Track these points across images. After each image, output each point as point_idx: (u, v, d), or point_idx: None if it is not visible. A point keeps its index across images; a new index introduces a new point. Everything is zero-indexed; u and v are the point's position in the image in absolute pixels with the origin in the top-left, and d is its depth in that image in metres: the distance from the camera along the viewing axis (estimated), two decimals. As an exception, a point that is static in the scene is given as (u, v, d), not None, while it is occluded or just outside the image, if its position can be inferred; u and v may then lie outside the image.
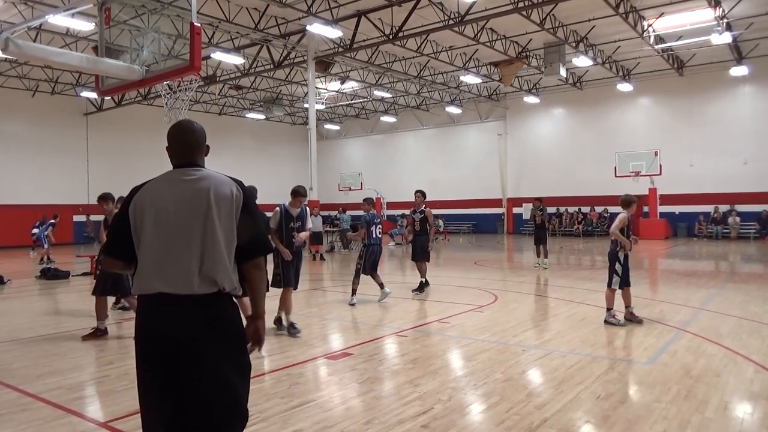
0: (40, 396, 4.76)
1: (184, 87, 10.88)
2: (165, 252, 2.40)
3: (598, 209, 28.08)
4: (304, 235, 7.14)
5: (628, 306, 7.43)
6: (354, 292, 9.24)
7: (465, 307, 8.71)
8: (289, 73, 25.42)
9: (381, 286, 9.30)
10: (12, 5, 16.18)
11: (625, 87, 25.54)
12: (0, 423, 4.19)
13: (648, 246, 20.83)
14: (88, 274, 14.36)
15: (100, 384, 5.22)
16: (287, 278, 6.94)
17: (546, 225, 14.65)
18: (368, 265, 9.30)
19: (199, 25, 7.73)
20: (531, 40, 21.34)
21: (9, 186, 25.15)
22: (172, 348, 2.32)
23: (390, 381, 5.08)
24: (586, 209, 28.45)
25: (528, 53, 22.59)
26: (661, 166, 24.12)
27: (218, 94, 29.28)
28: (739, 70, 22.59)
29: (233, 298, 2.49)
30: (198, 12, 9.18)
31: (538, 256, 14.50)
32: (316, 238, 17.91)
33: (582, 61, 21.82)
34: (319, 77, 25.08)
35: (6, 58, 19.46)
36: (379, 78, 26.61)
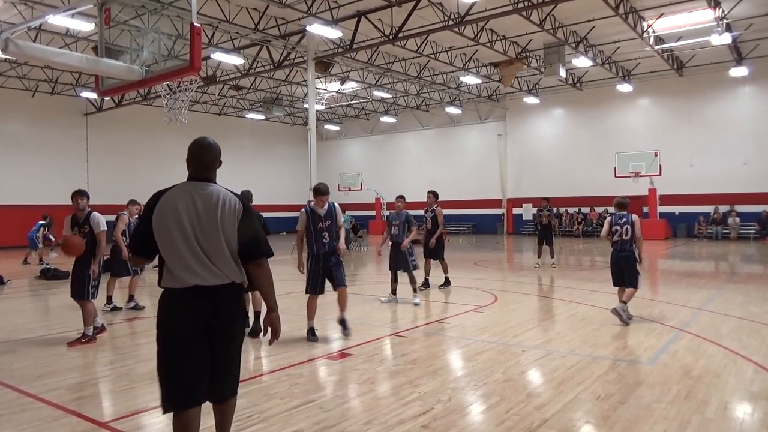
0: (39, 396, 4.76)
1: (184, 87, 10.87)
2: (189, 253, 2.98)
3: (598, 210, 28.08)
4: (342, 246, 6.89)
5: (624, 301, 7.58)
6: (394, 291, 9.35)
7: (465, 308, 8.71)
8: (289, 73, 25.43)
9: (395, 291, 9.42)
10: (12, 5, 16.17)
11: (624, 87, 25.55)
12: (0, 423, 4.19)
13: (648, 246, 20.75)
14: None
15: (100, 384, 5.22)
16: (311, 284, 6.81)
17: (552, 225, 14.65)
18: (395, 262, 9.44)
19: (199, 25, 7.72)
20: (531, 40, 21.34)
21: (9, 186, 25.15)
22: (203, 320, 2.99)
23: (390, 381, 5.08)
24: (586, 210, 28.46)
25: (528, 54, 22.59)
26: (660, 166, 24.12)
27: (218, 95, 29.28)
28: (739, 71, 22.59)
29: (242, 289, 3.17)
30: (198, 12, 9.18)
31: (539, 256, 14.49)
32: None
33: (582, 62, 21.82)
34: (318, 78, 25.08)
35: (6, 59, 19.45)
36: (379, 78, 26.61)
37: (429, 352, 6.05)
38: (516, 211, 31.02)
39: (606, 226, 7.72)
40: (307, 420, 4.13)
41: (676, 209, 25.64)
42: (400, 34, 18.44)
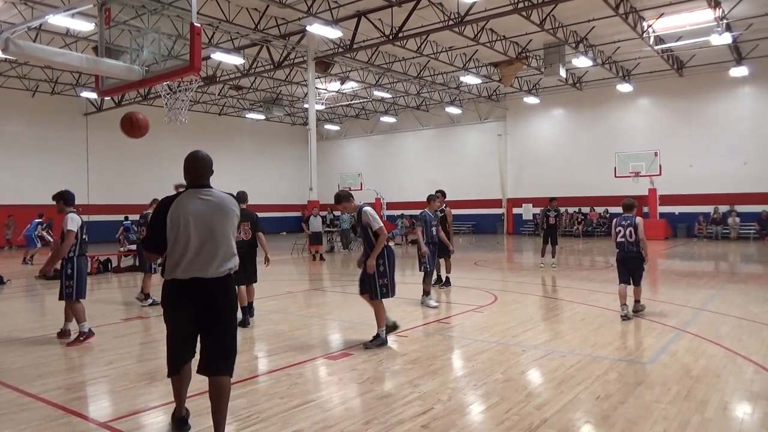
0: (39, 396, 4.76)
1: (184, 87, 10.86)
2: (195, 249, 3.56)
3: (598, 210, 28.09)
4: (370, 262, 6.26)
5: (624, 302, 7.84)
6: (427, 293, 9.02)
7: (465, 308, 8.71)
8: (289, 73, 25.43)
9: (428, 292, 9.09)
10: (12, 5, 16.18)
11: (624, 87, 25.55)
12: (0, 423, 4.19)
13: (648, 246, 20.79)
14: (87, 275, 14.35)
15: (100, 384, 5.22)
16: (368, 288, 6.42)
17: (558, 226, 14.63)
18: (431, 263, 9.17)
19: (199, 25, 7.71)
20: (531, 40, 21.35)
21: (9, 186, 25.15)
22: (204, 305, 3.62)
23: (390, 381, 5.08)
24: (586, 210, 28.46)
25: (528, 54, 22.60)
26: (660, 166, 24.13)
27: (218, 95, 29.29)
28: (739, 71, 22.60)
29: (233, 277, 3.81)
30: (198, 12, 9.18)
31: (543, 256, 14.51)
32: (315, 238, 17.92)
33: (582, 62, 21.83)
34: (319, 77, 25.09)
35: (6, 58, 19.45)
36: (379, 78, 26.62)
37: (429, 352, 6.05)
38: (516, 211, 31.02)
39: (612, 228, 8.11)
40: (306, 420, 4.13)
41: (676, 209, 25.65)
42: (400, 34, 18.44)
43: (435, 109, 32.86)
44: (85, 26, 16.27)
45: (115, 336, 7.23)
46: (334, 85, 27.87)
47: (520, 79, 27.07)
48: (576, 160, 28.44)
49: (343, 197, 6.33)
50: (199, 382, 4.83)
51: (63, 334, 7.03)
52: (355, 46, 19.68)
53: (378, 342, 6.23)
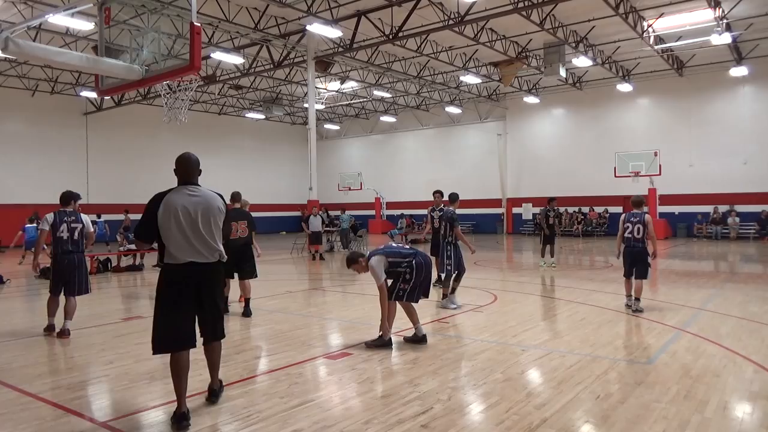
0: (39, 395, 4.76)
1: (183, 87, 10.87)
2: (186, 239, 4.10)
3: (598, 209, 28.08)
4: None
5: (630, 295, 8.29)
6: (453, 290, 8.77)
7: (465, 307, 8.71)
8: (289, 72, 25.43)
9: (453, 290, 8.84)
10: (12, 5, 16.17)
11: (624, 87, 25.55)
12: (0, 422, 4.19)
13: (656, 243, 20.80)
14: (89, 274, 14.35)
15: (100, 383, 5.22)
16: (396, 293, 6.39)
17: (555, 225, 14.68)
18: (457, 264, 8.84)
19: (199, 24, 7.71)
20: (531, 40, 21.34)
21: (8, 186, 25.14)
22: (194, 286, 4.15)
23: (389, 381, 5.08)
24: (585, 209, 28.47)
25: (528, 53, 22.59)
26: (660, 166, 24.11)
27: (218, 94, 29.28)
28: (739, 71, 22.59)
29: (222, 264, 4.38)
30: (198, 12, 9.19)
31: (543, 256, 14.52)
32: (315, 238, 17.92)
33: (582, 62, 21.82)
34: (318, 77, 25.08)
35: (6, 58, 19.45)
36: (379, 78, 26.61)
37: (429, 352, 6.05)
38: (516, 210, 31.02)
39: (620, 224, 8.37)
40: (306, 419, 4.13)
41: (676, 209, 25.64)
42: (400, 34, 18.44)
43: (435, 109, 32.86)
44: (85, 25, 16.27)
45: (115, 335, 7.23)
46: (334, 85, 27.86)
47: (520, 78, 27.06)
48: (576, 159, 28.44)
49: (352, 260, 6.42)
50: (198, 382, 4.83)
51: (49, 328, 7.24)
52: (354, 45, 19.67)
53: (379, 342, 6.23)
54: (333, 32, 17.93)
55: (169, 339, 4.08)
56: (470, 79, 25.20)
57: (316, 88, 25.28)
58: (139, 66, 8.59)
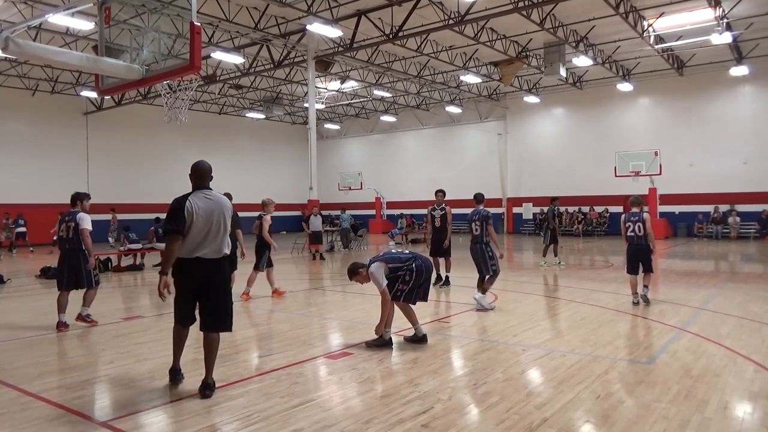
0: (40, 395, 4.76)
1: (184, 86, 10.86)
2: (200, 237, 4.70)
3: (598, 209, 28.07)
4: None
5: (635, 291, 8.75)
6: (485, 291, 8.59)
7: (465, 307, 8.71)
8: (289, 72, 25.42)
9: (485, 291, 8.62)
10: (12, 4, 16.17)
11: (625, 87, 25.54)
12: (0, 422, 4.19)
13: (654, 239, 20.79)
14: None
15: (100, 383, 5.22)
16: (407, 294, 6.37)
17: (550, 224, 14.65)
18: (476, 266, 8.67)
19: (199, 24, 7.71)
20: (531, 39, 21.34)
21: (8, 185, 25.13)
22: (202, 280, 4.74)
23: (390, 380, 5.08)
24: (585, 209, 28.46)
25: (528, 53, 22.58)
26: (661, 166, 24.11)
27: (218, 94, 29.28)
28: (739, 70, 22.58)
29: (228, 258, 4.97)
30: (198, 11, 9.16)
31: (545, 255, 14.54)
32: (315, 237, 17.91)
33: (582, 61, 21.82)
34: (319, 77, 25.08)
35: (6, 58, 19.45)
36: (379, 78, 26.60)
37: (429, 352, 6.05)
38: (516, 210, 31.02)
39: (621, 224, 8.82)
40: (306, 419, 4.13)
41: (676, 208, 25.64)
42: (400, 33, 18.43)
43: (435, 109, 32.85)
44: (85, 25, 16.26)
45: (115, 335, 7.23)
46: (334, 85, 27.86)
47: (520, 78, 27.05)
48: (576, 159, 28.43)
49: (353, 272, 6.42)
50: (198, 382, 4.83)
51: (59, 325, 7.52)
52: (355, 45, 19.66)
53: (379, 342, 6.23)
54: (333, 32, 17.93)
55: (177, 314, 4.94)
56: (470, 78, 25.20)
57: (316, 87, 25.27)
58: (140, 66, 8.59)
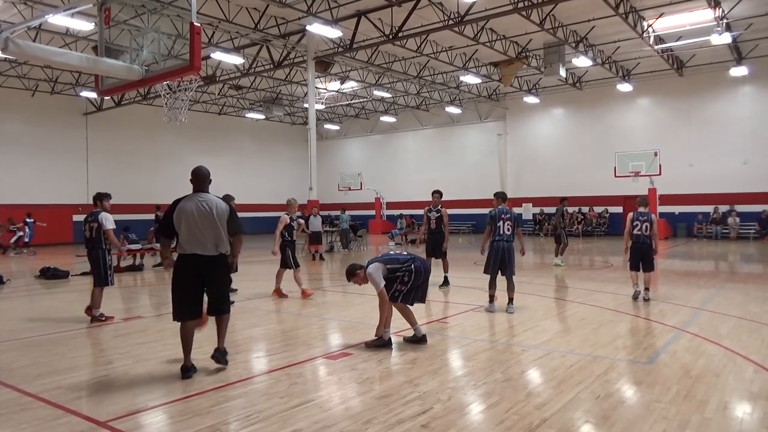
0: (39, 396, 4.76)
1: (183, 87, 10.87)
2: (194, 236, 5.17)
3: (598, 209, 28.07)
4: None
5: (636, 283, 9.18)
6: (492, 298, 8.39)
7: (465, 307, 8.72)
8: (289, 73, 25.43)
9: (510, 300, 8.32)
10: (12, 5, 16.17)
11: (624, 87, 25.55)
12: (0, 423, 4.19)
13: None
14: (87, 274, 14.36)
15: (99, 384, 5.22)
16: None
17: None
18: (496, 264, 8.33)
19: (198, 24, 7.71)
20: (531, 40, 21.34)
21: (9, 186, 25.14)
22: (198, 276, 5.23)
23: (389, 381, 5.08)
24: (585, 209, 28.46)
25: (528, 53, 22.59)
26: (660, 166, 24.11)
27: (218, 94, 29.28)
28: (739, 71, 22.59)
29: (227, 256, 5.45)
30: (198, 12, 9.19)
31: (559, 255, 14.66)
32: (315, 238, 17.90)
33: (582, 62, 21.83)
34: (318, 77, 25.08)
35: (6, 58, 19.46)
36: (379, 78, 26.61)
37: (429, 352, 6.05)
38: (516, 210, 30.92)
39: (628, 222, 9.20)
40: (306, 419, 4.13)
41: (676, 209, 25.64)
42: (400, 34, 18.44)
43: (435, 109, 32.86)
44: (85, 26, 16.27)
45: (116, 335, 7.23)
46: (334, 85, 27.87)
47: (520, 78, 27.06)
48: (576, 159, 28.44)
49: (351, 273, 6.42)
50: (198, 383, 4.83)
51: (94, 318, 8.03)
52: (354, 45, 19.67)
53: (379, 342, 6.23)
54: (333, 32, 17.93)
55: (179, 311, 5.22)
56: (470, 79, 25.20)
57: (316, 88, 25.28)
58: (139, 66, 8.59)
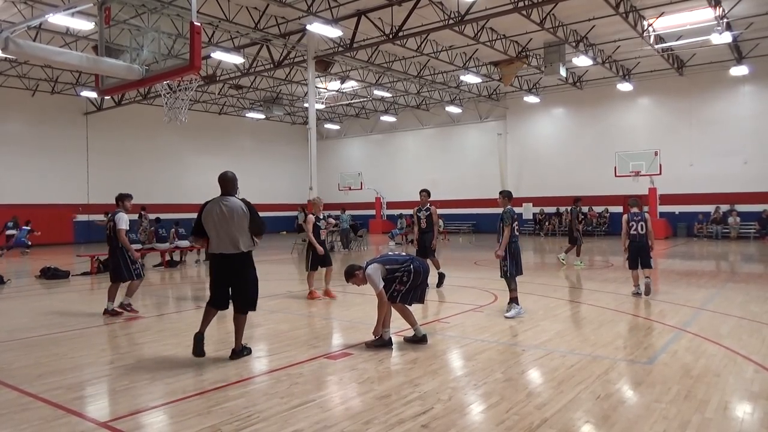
0: (39, 396, 4.76)
1: (184, 86, 10.84)
2: (219, 236, 5.74)
3: (598, 209, 28.05)
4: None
5: (636, 284, 9.54)
6: (514, 300, 8.02)
7: (465, 307, 8.72)
8: (289, 72, 25.42)
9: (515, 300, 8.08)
10: (12, 4, 16.17)
11: (625, 87, 25.53)
12: (0, 423, 4.19)
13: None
14: (87, 274, 14.37)
15: (100, 384, 5.22)
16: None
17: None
18: (520, 265, 8.14)
19: (199, 24, 7.71)
20: (531, 39, 21.34)
21: (9, 186, 25.14)
22: (226, 273, 5.82)
23: (390, 381, 5.08)
24: (585, 209, 28.42)
25: (528, 53, 22.58)
26: (661, 165, 24.10)
27: (218, 94, 29.27)
28: (739, 70, 22.57)
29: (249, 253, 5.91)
30: (198, 11, 9.16)
31: (579, 255, 14.76)
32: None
33: (582, 61, 21.82)
34: (319, 77, 25.07)
35: (6, 58, 19.45)
36: (379, 78, 26.60)
37: (429, 352, 6.05)
38: (516, 210, 30.88)
39: (624, 224, 9.61)
40: (306, 420, 4.13)
41: (677, 208, 25.64)
42: (400, 33, 18.43)
43: (435, 109, 32.85)
44: (85, 25, 16.26)
45: (116, 335, 7.23)
46: (334, 85, 27.85)
47: (520, 78, 27.05)
48: (576, 159, 28.43)
49: (350, 274, 6.43)
50: (199, 382, 4.83)
51: (106, 311, 8.50)
52: (355, 45, 19.66)
53: (379, 342, 6.23)
54: (333, 32, 17.92)
55: (210, 300, 5.94)
56: (470, 78, 25.19)
57: (316, 87, 25.26)
58: (140, 66, 8.58)
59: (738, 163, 24.16)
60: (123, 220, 8.52)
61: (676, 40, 20.95)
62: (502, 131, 31.40)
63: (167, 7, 13.82)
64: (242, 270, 5.81)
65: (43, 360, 6.00)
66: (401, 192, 34.06)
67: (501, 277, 8.26)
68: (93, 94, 24.99)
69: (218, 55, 20.02)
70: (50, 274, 13.61)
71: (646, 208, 24.82)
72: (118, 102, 27.33)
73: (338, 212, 24.45)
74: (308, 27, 17.64)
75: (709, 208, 25.02)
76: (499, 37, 20.76)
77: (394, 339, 6.36)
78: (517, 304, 8.04)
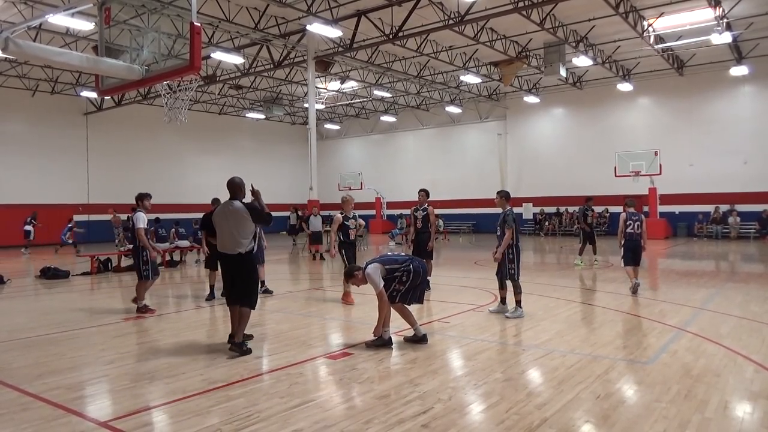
0: (40, 396, 4.76)
1: (184, 87, 10.84)
2: (222, 236, 6.19)
3: (598, 209, 28.02)
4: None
5: (632, 278, 9.89)
6: (518, 303, 8.04)
7: (465, 307, 8.72)
8: (289, 72, 25.42)
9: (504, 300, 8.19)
10: (12, 5, 16.17)
11: (625, 87, 25.54)
12: (0, 423, 4.19)
13: (648, 246, 20.76)
14: (87, 274, 14.37)
15: (100, 383, 5.22)
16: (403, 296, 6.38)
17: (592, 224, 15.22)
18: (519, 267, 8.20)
19: (199, 24, 7.70)
20: (531, 39, 21.34)
21: (9, 186, 25.14)
22: (229, 270, 6.20)
23: (390, 380, 5.08)
24: (599, 209, 28.38)
25: (528, 53, 22.58)
26: (661, 165, 24.10)
27: (218, 94, 29.27)
28: (739, 70, 22.58)
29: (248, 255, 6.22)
30: (198, 12, 9.16)
31: (581, 254, 14.81)
32: (315, 237, 17.91)
33: (582, 61, 21.82)
34: (319, 77, 25.08)
35: (6, 58, 19.45)
36: (379, 78, 26.60)
37: (429, 352, 6.05)
38: (516, 210, 30.92)
39: (621, 222, 10.04)
40: (306, 419, 4.13)
41: (677, 208, 25.63)
42: (400, 34, 18.43)
43: (435, 109, 32.85)
44: (85, 25, 16.26)
45: (116, 335, 7.23)
46: (334, 85, 27.86)
47: (520, 78, 27.05)
48: (576, 159, 28.42)
49: (350, 275, 6.55)
50: (199, 382, 4.82)
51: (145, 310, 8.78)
52: (355, 45, 19.67)
53: (379, 342, 6.23)
54: (333, 32, 17.92)
55: (225, 295, 6.34)
56: (470, 78, 25.20)
57: (316, 87, 25.28)
58: (140, 66, 8.58)
59: (738, 163, 24.16)
60: (141, 219, 8.57)
61: (676, 40, 20.95)
62: (502, 131, 31.41)
63: (167, 7, 13.81)
64: (242, 270, 6.12)
65: (43, 360, 6.00)
66: (401, 192, 34.06)
67: (506, 279, 8.27)
68: (93, 95, 25.00)
69: (218, 55, 20.02)
70: (50, 274, 13.62)
71: (645, 209, 24.92)
72: (118, 102, 27.33)
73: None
74: (308, 27, 17.65)
75: (709, 208, 25.02)
76: (499, 37, 20.77)
77: (394, 339, 6.36)
78: (521, 307, 8.06)
